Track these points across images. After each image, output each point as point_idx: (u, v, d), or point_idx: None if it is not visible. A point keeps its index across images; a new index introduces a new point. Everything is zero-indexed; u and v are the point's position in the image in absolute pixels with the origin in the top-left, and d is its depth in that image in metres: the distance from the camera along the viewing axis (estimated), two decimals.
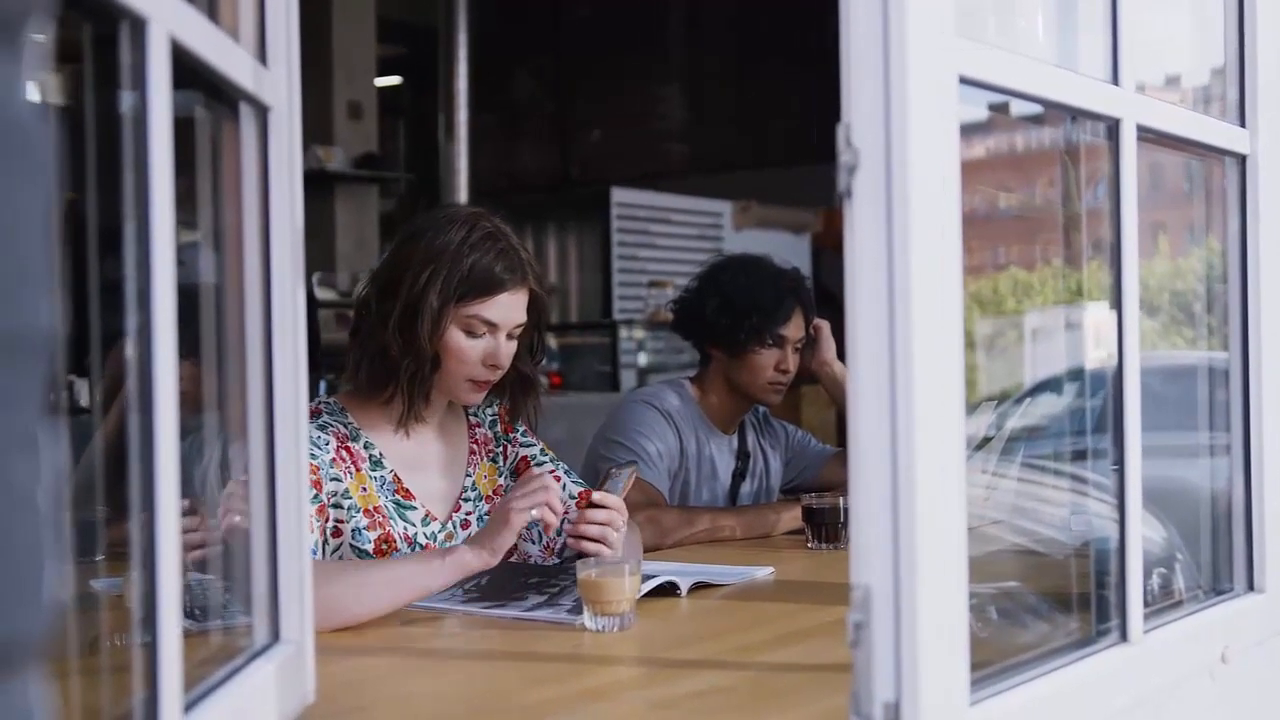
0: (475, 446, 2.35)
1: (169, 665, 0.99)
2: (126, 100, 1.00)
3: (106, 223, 1.02)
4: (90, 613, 1.32)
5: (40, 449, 0.53)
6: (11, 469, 0.51)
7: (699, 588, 2.15)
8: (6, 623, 0.51)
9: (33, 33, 0.55)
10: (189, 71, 1.10)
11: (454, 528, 2.26)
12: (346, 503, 2.12)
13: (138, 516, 0.98)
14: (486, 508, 2.30)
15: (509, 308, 2.18)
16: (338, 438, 2.15)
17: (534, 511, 1.95)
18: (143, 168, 0.99)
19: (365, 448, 2.20)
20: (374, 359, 2.18)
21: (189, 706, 1.07)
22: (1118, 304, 1.51)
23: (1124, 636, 1.50)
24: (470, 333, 2.16)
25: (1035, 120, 1.75)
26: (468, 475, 2.32)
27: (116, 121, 1.01)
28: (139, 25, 0.98)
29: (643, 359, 7.53)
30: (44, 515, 0.53)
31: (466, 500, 2.30)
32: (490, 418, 2.40)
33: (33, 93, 0.55)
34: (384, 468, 2.20)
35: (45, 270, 0.54)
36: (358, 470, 2.16)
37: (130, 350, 1.01)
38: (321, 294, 6.81)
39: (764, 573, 2.33)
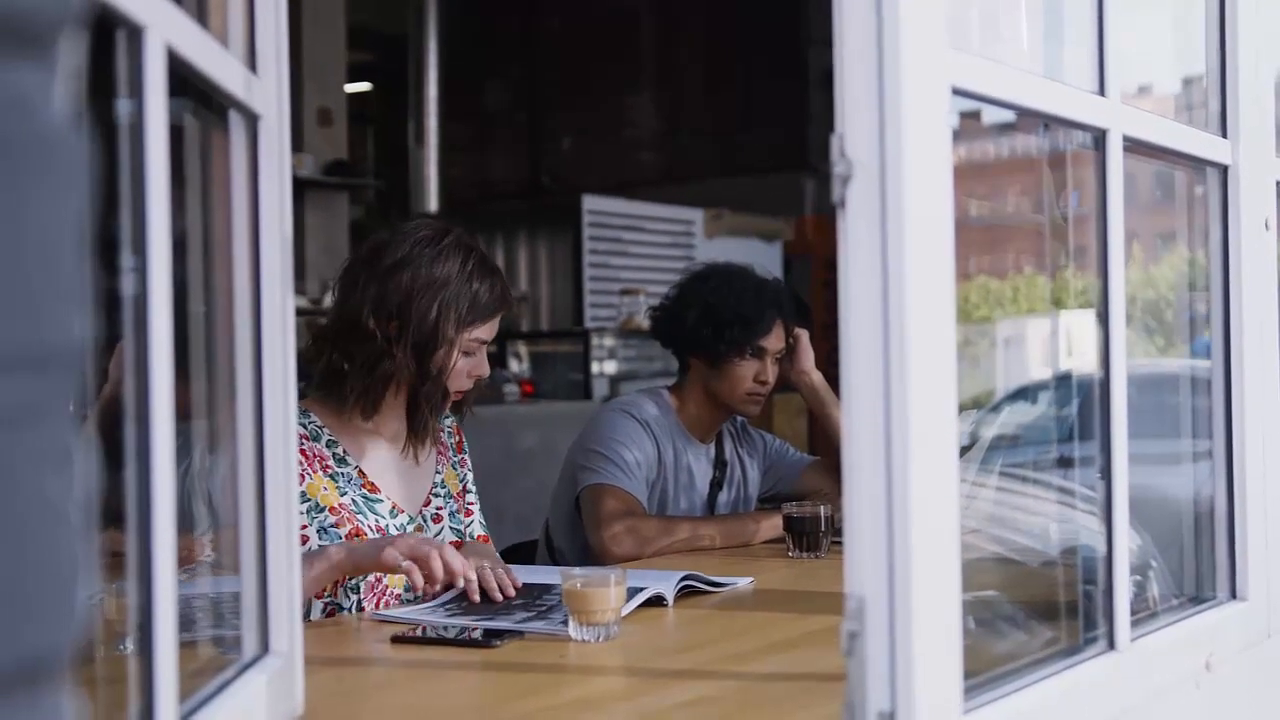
0: (442, 447, 2.44)
1: (165, 678, 0.98)
2: (122, 108, 0.99)
3: (99, 230, 1.01)
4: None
5: (72, 462, 0.53)
6: (46, 483, 0.50)
7: (686, 594, 2.16)
8: (43, 636, 0.51)
9: (64, 43, 0.55)
10: (181, 79, 1.10)
11: (425, 521, 2.35)
12: (305, 504, 2.16)
13: (134, 528, 0.97)
14: (455, 505, 2.41)
15: (497, 325, 2.33)
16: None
17: (405, 564, 1.97)
18: (139, 176, 0.98)
19: (328, 446, 2.25)
20: (381, 384, 2.24)
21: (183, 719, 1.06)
22: (1104, 312, 1.52)
23: (1112, 644, 1.50)
24: (466, 354, 2.28)
25: (1007, 129, 1.76)
26: (437, 473, 2.41)
27: (110, 128, 1.01)
28: (136, 33, 0.97)
29: (614, 367, 7.51)
30: (76, 529, 0.52)
31: (437, 495, 2.39)
32: (448, 428, 2.49)
33: (65, 103, 0.55)
34: (349, 465, 2.26)
35: (78, 283, 0.54)
36: (315, 472, 2.21)
37: (125, 359, 1.00)
38: None
39: (744, 582, 2.33)
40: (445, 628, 1.91)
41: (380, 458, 2.31)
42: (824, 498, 2.81)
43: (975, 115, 1.51)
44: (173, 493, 1.00)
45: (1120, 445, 1.51)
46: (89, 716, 1.12)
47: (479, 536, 2.44)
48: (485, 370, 2.32)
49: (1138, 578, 1.76)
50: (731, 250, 7.26)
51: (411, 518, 2.31)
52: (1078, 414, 1.79)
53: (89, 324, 0.55)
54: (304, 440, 2.20)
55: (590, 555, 2.78)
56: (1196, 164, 1.81)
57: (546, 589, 2.14)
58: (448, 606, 2.05)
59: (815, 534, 2.61)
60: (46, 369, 0.51)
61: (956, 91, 1.25)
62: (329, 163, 7.79)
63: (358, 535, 2.19)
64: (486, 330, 2.29)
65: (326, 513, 2.18)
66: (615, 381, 7.31)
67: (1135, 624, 1.55)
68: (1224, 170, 1.81)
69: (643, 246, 8.17)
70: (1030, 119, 1.60)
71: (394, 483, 2.31)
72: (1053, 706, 1.38)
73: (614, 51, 9.73)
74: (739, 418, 3.16)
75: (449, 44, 8.79)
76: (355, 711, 1.55)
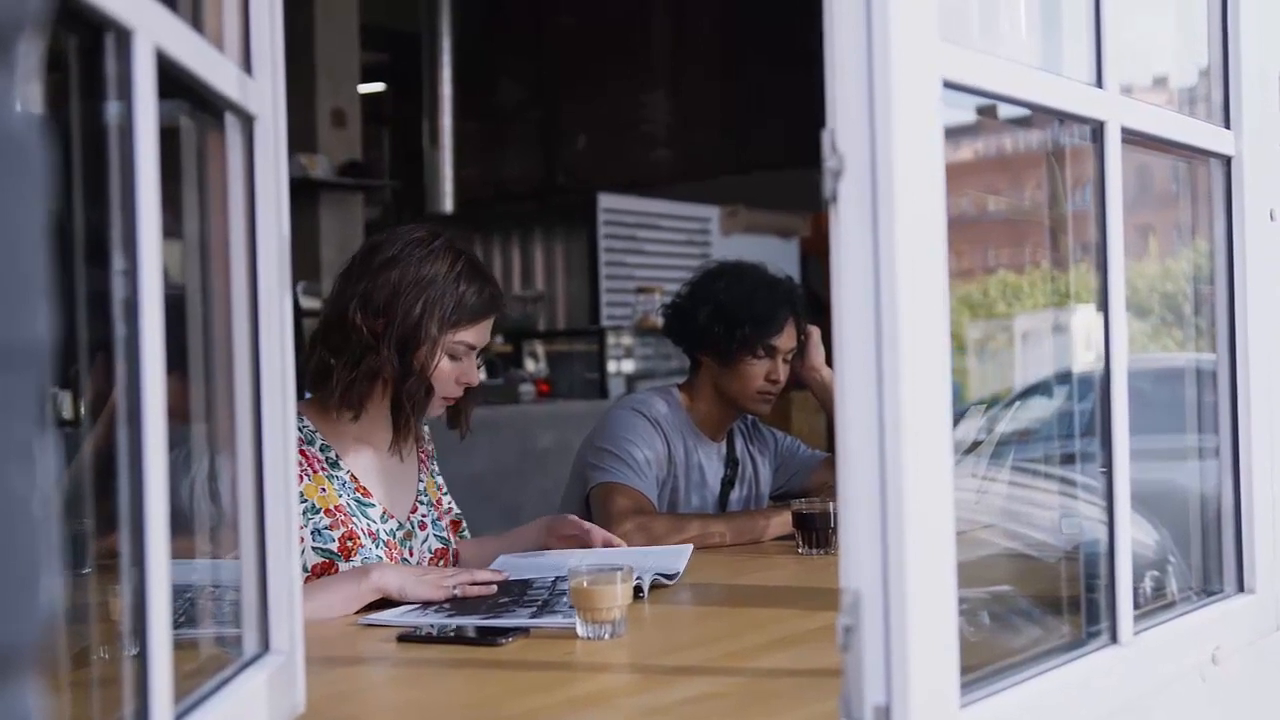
0: (424, 457, 2.49)
1: (160, 676, 0.99)
2: (112, 110, 1.00)
3: (90, 233, 1.02)
4: (75, 625, 1.31)
5: (37, 458, 0.53)
6: (9, 478, 0.51)
7: (687, 589, 2.18)
8: (5, 631, 0.51)
9: (26, 44, 0.55)
10: (173, 81, 1.10)
11: (412, 527, 2.38)
12: (302, 505, 2.19)
13: (127, 529, 0.98)
14: (436, 514, 2.44)
15: (487, 331, 2.35)
16: None
17: (457, 591, 2.11)
18: (129, 178, 0.99)
19: (321, 450, 2.29)
20: (365, 380, 2.26)
21: (179, 717, 1.07)
22: (1104, 306, 1.52)
23: (1114, 638, 1.50)
24: (453, 357, 2.30)
25: (1022, 123, 1.76)
26: (420, 481, 2.44)
27: (101, 131, 1.01)
28: (124, 36, 0.98)
29: (630, 365, 7.52)
30: (40, 524, 0.53)
31: (422, 503, 2.42)
32: (427, 435, 2.54)
33: (26, 103, 0.55)
34: (342, 469, 2.29)
35: (41, 281, 0.55)
36: (315, 473, 2.25)
37: (117, 361, 1.00)
38: (306, 303, 6.78)
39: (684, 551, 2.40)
40: (448, 627, 1.91)
41: (368, 463, 2.34)
42: (834, 494, 2.80)
43: (992, 111, 1.51)
44: (165, 492, 1.01)
45: (1121, 437, 1.51)
46: (68, 712, 1.12)
47: (436, 550, 2.44)
48: (474, 378, 2.35)
49: (1156, 573, 1.76)
50: (747, 247, 7.25)
51: (400, 523, 2.34)
52: (1091, 409, 1.79)
53: (55, 322, 0.56)
54: (300, 444, 2.22)
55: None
56: (1199, 155, 1.81)
57: (529, 584, 2.17)
58: (439, 609, 2.05)
59: (824, 530, 2.61)
60: (11, 365, 0.52)
61: (948, 85, 1.24)
62: (343, 163, 7.79)
63: (351, 538, 2.22)
64: (474, 334, 2.30)
65: (322, 514, 2.22)
66: (631, 380, 7.31)
67: (1139, 617, 1.54)
68: (1227, 161, 1.80)
69: (658, 244, 8.17)
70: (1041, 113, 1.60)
71: (381, 488, 2.35)
72: (1052, 701, 1.37)
73: (627, 48, 9.72)
74: (750, 415, 3.15)
75: (462, 43, 8.79)
76: (358, 710, 1.56)
